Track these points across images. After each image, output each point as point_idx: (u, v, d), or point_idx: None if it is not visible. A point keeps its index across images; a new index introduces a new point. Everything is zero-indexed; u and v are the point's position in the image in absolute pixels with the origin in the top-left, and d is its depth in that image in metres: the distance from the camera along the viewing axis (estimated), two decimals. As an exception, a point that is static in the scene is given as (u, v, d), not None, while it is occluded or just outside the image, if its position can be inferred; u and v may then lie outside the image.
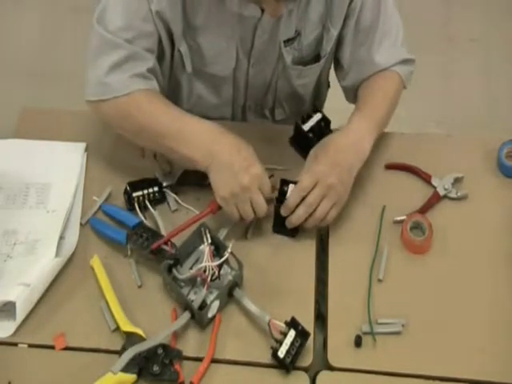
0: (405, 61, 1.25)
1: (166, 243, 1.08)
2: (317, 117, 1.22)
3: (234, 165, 1.05)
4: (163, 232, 1.12)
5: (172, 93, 1.32)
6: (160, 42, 1.15)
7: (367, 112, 1.19)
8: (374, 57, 1.22)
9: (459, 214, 1.20)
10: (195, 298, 1.05)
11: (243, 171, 1.05)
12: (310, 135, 1.21)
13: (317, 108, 1.25)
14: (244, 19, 1.13)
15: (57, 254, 1.12)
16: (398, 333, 1.06)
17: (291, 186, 1.12)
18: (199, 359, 1.02)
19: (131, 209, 1.16)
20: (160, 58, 1.19)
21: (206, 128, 1.10)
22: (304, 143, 1.22)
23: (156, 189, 1.17)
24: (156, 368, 0.99)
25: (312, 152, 1.15)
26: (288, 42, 1.21)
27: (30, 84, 2.45)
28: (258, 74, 1.27)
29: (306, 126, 1.21)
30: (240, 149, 1.07)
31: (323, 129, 1.22)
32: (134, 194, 1.15)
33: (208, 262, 1.05)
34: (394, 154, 1.26)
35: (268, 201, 1.10)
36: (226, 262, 1.08)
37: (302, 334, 1.01)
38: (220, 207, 1.09)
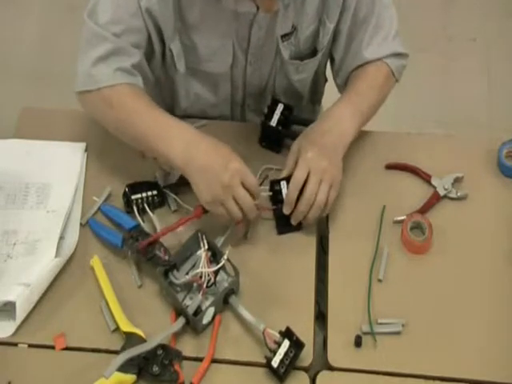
0: (397, 54, 1.24)
1: (153, 243, 1.07)
2: (279, 108, 1.22)
3: (213, 165, 1.04)
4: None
5: (170, 91, 1.31)
6: (149, 38, 1.15)
7: (350, 97, 1.19)
8: (364, 50, 1.22)
9: (459, 214, 1.20)
10: (191, 303, 1.04)
11: (222, 169, 1.04)
12: (280, 128, 1.21)
13: (274, 98, 1.25)
14: (240, 16, 1.13)
15: (57, 254, 1.12)
16: (397, 333, 1.06)
17: (283, 182, 1.11)
18: (199, 359, 1.02)
19: (130, 211, 1.16)
20: (150, 55, 1.19)
21: (184, 130, 1.09)
22: (275, 138, 1.22)
23: (155, 192, 1.16)
24: (156, 368, 0.99)
25: (296, 143, 1.15)
26: (285, 36, 1.20)
27: (30, 84, 2.44)
28: (256, 71, 1.27)
29: (274, 122, 1.21)
30: (217, 148, 1.07)
31: (289, 117, 1.22)
32: (133, 197, 1.14)
33: (204, 268, 1.03)
34: (394, 153, 1.25)
35: (264, 202, 1.09)
36: (223, 268, 1.07)
37: (297, 345, 1.00)
38: (206, 211, 1.08)
